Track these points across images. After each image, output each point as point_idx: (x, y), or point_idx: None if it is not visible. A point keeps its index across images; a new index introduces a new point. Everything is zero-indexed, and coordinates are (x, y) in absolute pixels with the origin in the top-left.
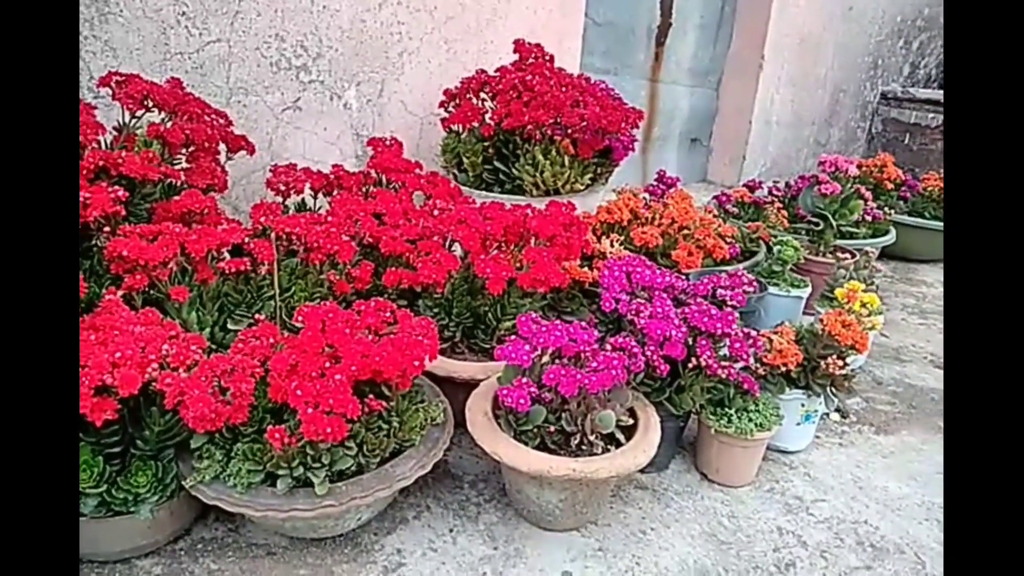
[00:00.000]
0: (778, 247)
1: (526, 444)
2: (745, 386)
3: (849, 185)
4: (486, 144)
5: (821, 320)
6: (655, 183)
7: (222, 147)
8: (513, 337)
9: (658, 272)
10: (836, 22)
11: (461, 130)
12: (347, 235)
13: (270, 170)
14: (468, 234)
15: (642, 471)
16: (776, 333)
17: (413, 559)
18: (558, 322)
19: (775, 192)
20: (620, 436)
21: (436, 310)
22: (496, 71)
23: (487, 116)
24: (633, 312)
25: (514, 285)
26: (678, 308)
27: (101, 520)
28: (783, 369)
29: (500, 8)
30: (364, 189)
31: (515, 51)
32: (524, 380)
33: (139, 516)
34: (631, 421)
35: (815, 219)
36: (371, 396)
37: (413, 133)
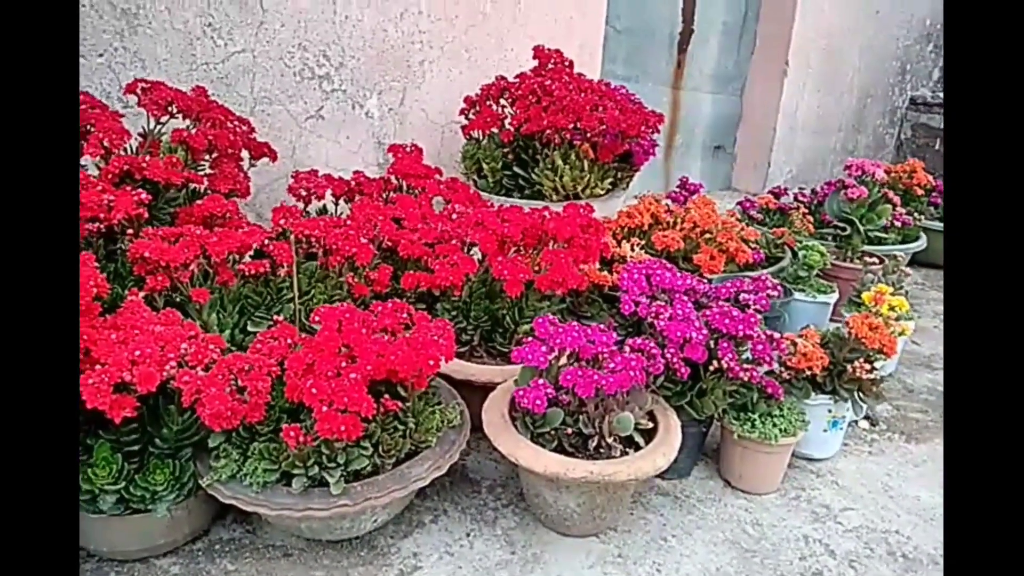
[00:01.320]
0: (803, 252)
1: (543, 447)
2: (769, 390)
3: (876, 189)
4: (505, 150)
5: (847, 323)
6: (677, 189)
7: (245, 154)
8: (530, 339)
9: (678, 275)
10: (862, 25)
11: (481, 136)
12: (366, 238)
13: (291, 176)
14: (485, 236)
15: (663, 477)
16: (801, 336)
17: (429, 563)
18: (576, 324)
19: (801, 198)
20: (639, 440)
21: (454, 313)
22: (516, 77)
23: (506, 122)
24: (653, 315)
25: (532, 288)
26: (699, 312)
27: (120, 518)
28: (808, 373)
29: (520, 16)
30: (384, 195)
31: (534, 57)
32: (541, 381)
33: (156, 514)
34: (651, 425)
35: (842, 224)
36: (387, 396)
37: (434, 141)
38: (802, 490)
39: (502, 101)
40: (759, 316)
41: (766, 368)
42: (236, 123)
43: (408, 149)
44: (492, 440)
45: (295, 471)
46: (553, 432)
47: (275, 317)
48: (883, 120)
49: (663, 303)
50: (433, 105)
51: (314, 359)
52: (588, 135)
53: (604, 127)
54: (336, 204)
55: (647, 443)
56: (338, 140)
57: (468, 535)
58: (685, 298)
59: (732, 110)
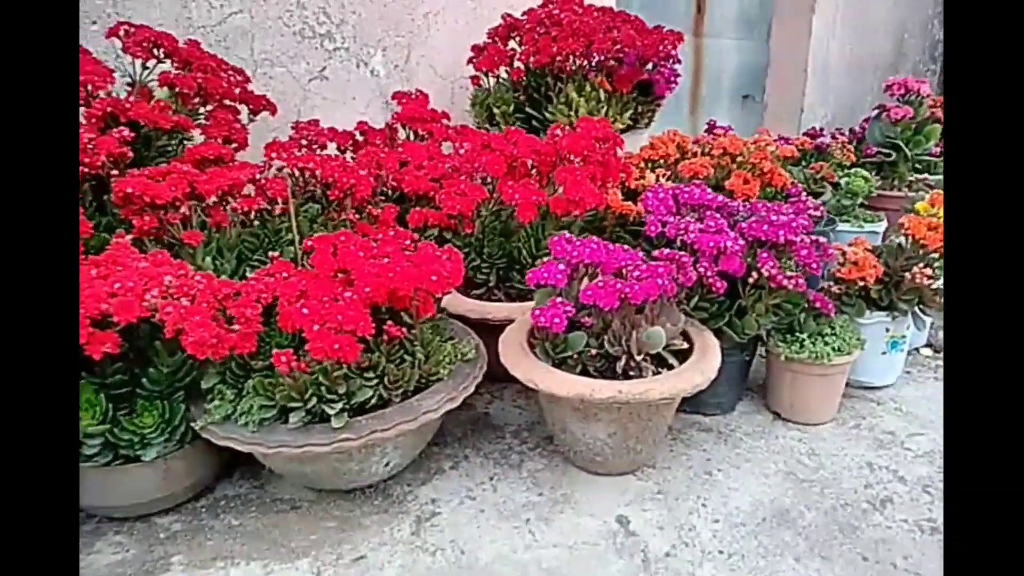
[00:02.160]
0: (846, 179)
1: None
2: (818, 305)
3: (924, 109)
4: (517, 93)
5: (902, 225)
6: (705, 134)
7: (244, 109)
8: (546, 259)
9: (708, 191)
10: None
11: (489, 80)
12: (367, 172)
13: (292, 127)
14: (493, 159)
15: (705, 413)
16: (851, 245)
17: (449, 508)
18: (596, 239)
19: (838, 136)
20: (673, 361)
21: (466, 251)
22: (523, 14)
23: (515, 60)
24: (682, 229)
25: (549, 218)
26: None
27: (112, 469)
28: (861, 285)
29: None
30: (391, 143)
31: None
32: (559, 300)
33: (147, 459)
34: (685, 345)
35: (886, 150)
36: (390, 323)
37: (444, 98)
38: (862, 418)
39: (511, 43)
40: (803, 220)
41: (813, 277)
42: (231, 73)
43: (414, 95)
44: (509, 368)
45: (292, 404)
46: (576, 357)
47: (270, 254)
48: (923, 55)
49: (693, 220)
50: (441, 60)
51: (307, 286)
52: (603, 61)
53: (620, 48)
54: (342, 155)
55: (682, 363)
56: (344, 101)
57: (491, 479)
58: (717, 215)
59: (759, 58)
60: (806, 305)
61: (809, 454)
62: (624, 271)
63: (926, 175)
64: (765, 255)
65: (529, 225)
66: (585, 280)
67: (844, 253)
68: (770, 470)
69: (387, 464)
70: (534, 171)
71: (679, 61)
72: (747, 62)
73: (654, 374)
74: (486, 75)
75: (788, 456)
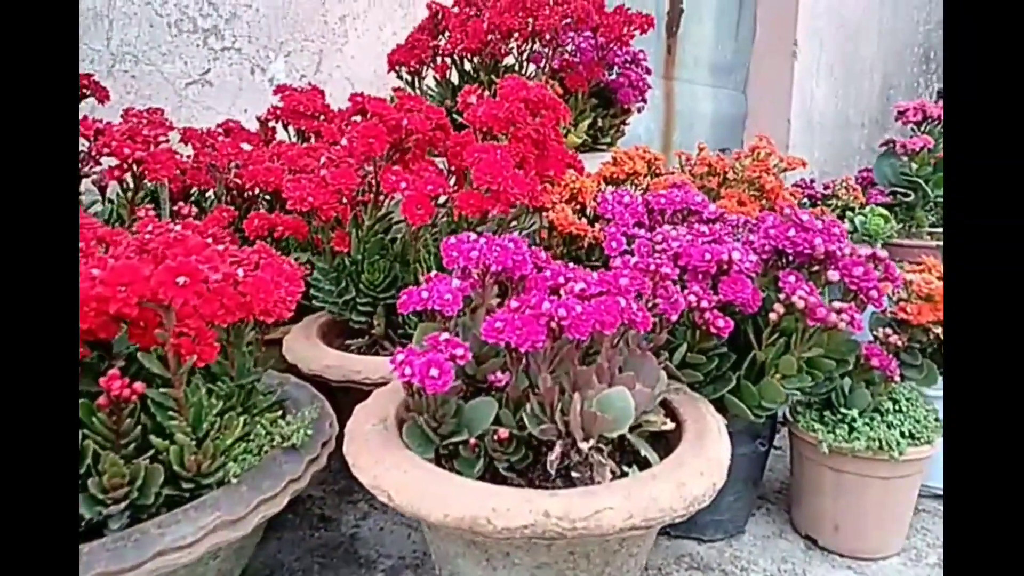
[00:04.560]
0: (860, 219)
1: (459, 472)
2: (874, 362)
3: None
4: (443, 98)
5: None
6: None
7: None
8: (434, 274)
9: (697, 193)
10: (877, 5)
11: (407, 81)
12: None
13: (121, 114)
14: (370, 130)
15: (700, 538)
16: (918, 271)
17: None
18: (515, 235)
19: (832, 187)
20: (647, 451)
21: (334, 276)
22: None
23: (438, 53)
24: (657, 241)
25: (461, 225)
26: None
27: None
28: (934, 334)
29: None
30: (266, 145)
31: None
32: (444, 337)
33: None
34: (670, 424)
35: (902, 190)
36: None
37: None
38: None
39: (441, 39)
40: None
41: (872, 310)
42: None
43: (300, 90)
44: (350, 462)
45: None
46: (478, 443)
47: None
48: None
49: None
50: (360, 71)
51: None
52: (551, 53)
53: (570, 25)
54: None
55: (664, 457)
56: (232, 113)
57: None
58: (714, 226)
59: (736, 107)
60: (855, 362)
61: None
62: (562, 289)
63: None
64: (792, 277)
65: (431, 237)
66: (493, 299)
67: (909, 282)
68: None
69: None
70: (441, 160)
71: (649, 71)
72: (723, 112)
73: (615, 476)
74: (410, 83)
75: None
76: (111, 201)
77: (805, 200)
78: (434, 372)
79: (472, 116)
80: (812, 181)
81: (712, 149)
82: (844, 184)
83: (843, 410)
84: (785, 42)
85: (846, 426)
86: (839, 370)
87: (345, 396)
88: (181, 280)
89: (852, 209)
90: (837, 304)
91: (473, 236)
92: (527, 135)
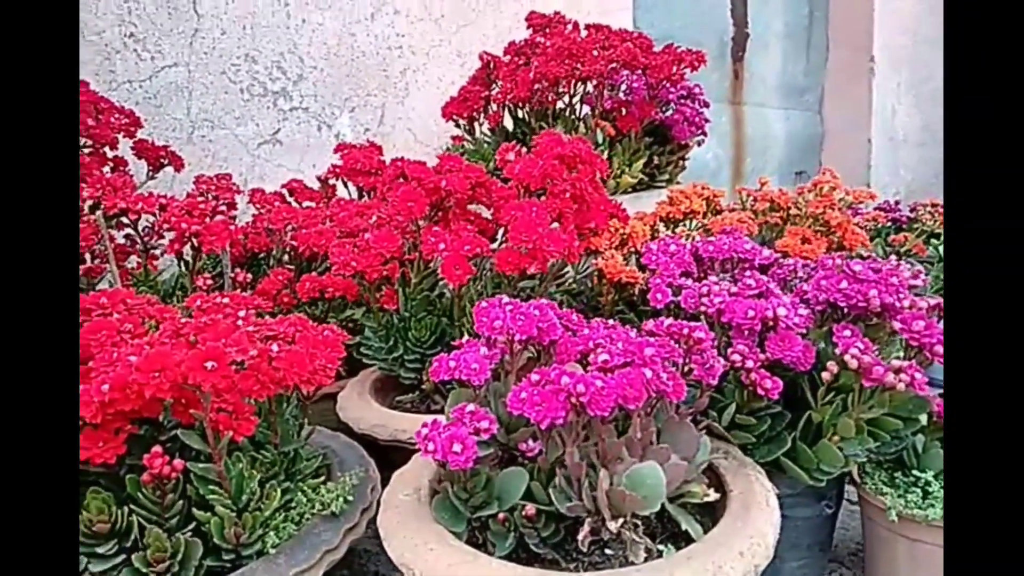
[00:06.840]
0: None
1: (484, 549)
2: None
3: None
4: (496, 141)
5: None
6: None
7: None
8: (466, 339)
9: (746, 240)
10: None
11: (465, 128)
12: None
13: (194, 181)
14: (408, 193)
15: None
16: None
17: None
18: (543, 301)
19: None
20: (688, 524)
21: (383, 334)
22: (505, 53)
23: (491, 102)
24: (702, 295)
25: (505, 283)
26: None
27: None
28: None
29: (523, 11)
30: (327, 203)
31: (528, 26)
32: (471, 408)
33: None
34: (713, 496)
35: None
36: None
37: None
38: None
39: (493, 88)
40: (906, 275)
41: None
42: (118, 115)
43: (358, 147)
44: (381, 532)
45: None
46: (508, 516)
47: None
48: None
49: (722, 281)
50: (421, 123)
51: None
52: (601, 95)
53: (615, 69)
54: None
55: (710, 527)
56: (302, 169)
57: None
58: (761, 276)
59: (811, 128)
60: (928, 418)
61: None
62: (591, 356)
63: None
64: (847, 331)
65: (475, 292)
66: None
67: None
68: None
69: None
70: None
71: (707, 104)
72: (797, 133)
73: (649, 554)
74: (468, 131)
75: None
76: (185, 263)
77: (889, 224)
78: (457, 448)
79: (510, 172)
80: (898, 203)
81: (788, 172)
82: (930, 208)
83: (916, 472)
84: (861, 60)
85: (919, 490)
86: (907, 429)
87: (397, 453)
88: (209, 365)
89: (937, 236)
90: (896, 363)
91: (506, 299)
92: (563, 191)
